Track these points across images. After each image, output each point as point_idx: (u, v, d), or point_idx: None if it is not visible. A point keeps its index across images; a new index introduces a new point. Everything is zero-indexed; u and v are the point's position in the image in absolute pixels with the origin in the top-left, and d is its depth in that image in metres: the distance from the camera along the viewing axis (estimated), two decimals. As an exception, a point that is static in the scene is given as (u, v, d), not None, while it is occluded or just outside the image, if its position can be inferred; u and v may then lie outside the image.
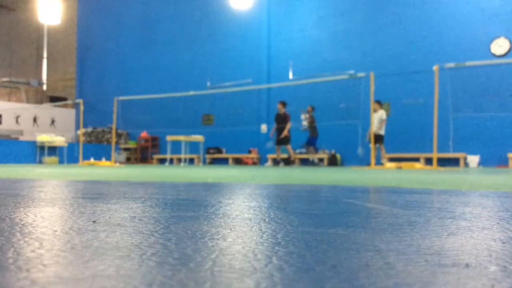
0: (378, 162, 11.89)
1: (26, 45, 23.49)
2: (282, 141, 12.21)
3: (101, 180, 3.34)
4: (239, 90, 14.90)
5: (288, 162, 12.88)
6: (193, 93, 14.88)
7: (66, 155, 14.95)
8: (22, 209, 1.38)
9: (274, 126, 12.55)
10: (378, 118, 11.13)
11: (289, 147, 12.29)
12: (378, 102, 11.29)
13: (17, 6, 23.82)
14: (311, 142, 12.97)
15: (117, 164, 12.30)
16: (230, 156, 16.13)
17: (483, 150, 12.30)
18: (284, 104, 12.42)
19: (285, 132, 12.05)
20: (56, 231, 0.96)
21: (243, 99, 15.95)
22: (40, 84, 21.76)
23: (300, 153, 14.34)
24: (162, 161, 17.56)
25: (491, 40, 12.35)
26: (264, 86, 15.05)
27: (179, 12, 17.82)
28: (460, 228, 1.04)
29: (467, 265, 0.66)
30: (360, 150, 13.11)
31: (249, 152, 15.84)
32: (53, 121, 19.18)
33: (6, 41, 24.27)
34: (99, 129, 18.46)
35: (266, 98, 15.67)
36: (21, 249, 0.75)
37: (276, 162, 13.17)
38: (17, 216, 1.20)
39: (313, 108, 13.07)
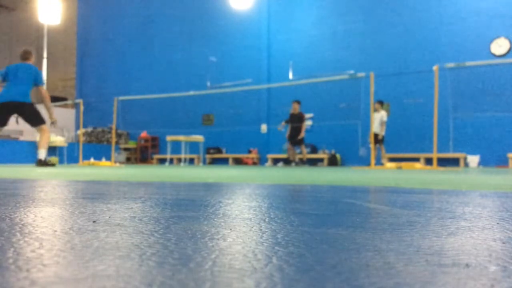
0: (378, 162, 11.89)
1: (26, 45, 23.48)
2: (299, 141, 12.09)
3: (101, 180, 3.35)
4: (239, 90, 14.90)
5: (288, 161, 12.80)
6: (193, 93, 14.89)
7: (66, 155, 14.94)
8: (22, 209, 1.38)
9: (288, 126, 12.33)
10: (379, 119, 11.12)
11: (303, 147, 12.22)
12: (380, 102, 11.27)
13: (17, 6, 23.82)
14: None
15: (117, 164, 12.30)
16: (230, 156, 16.13)
17: (483, 150, 12.30)
18: (299, 103, 12.27)
19: (302, 133, 11.92)
20: (56, 231, 0.96)
21: (243, 99, 15.95)
22: (40, 84, 21.74)
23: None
24: (162, 161, 17.56)
25: (491, 40, 12.35)
26: (264, 86, 15.05)
27: (179, 12, 17.82)
28: (460, 228, 1.04)
29: (467, 265, 0.66)
30: (362, 151, 13.11)
31: (249, 152, 15.85)
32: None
33: (6, 41, 24.27)
34: (99, 129, 18.46)
35: (266, 98, 15.67)
36: (21, 249, 0.75)
37: (288, 162, 12.85)
38: (17, 216, 1.20)
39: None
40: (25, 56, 7.72)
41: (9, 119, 7.75)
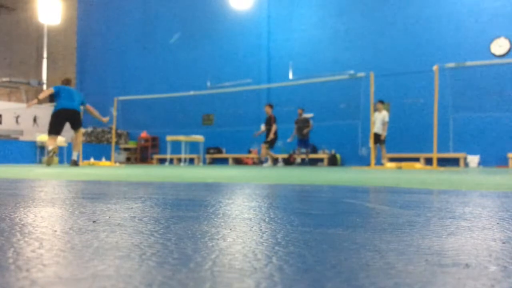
0: (378, 162, 11.89)
1: (26, 45, 23.48)
2: (269, 143, 12.43)
3: (101, 180, 3.35)
4: (239, 90, 14.89)
5: (261, 161, 12.98)
6: (193, 93, 14.89)
7: (66, 155, 14.94)
8: (22, 209, 1.38)
9: (262, 128, 12.85)
10: (381, 119, 11.08)
11: (264, 146, 12.46)
12: (381, 102, 11.25)
13: (17, 6, 23.82)
14: (304, 144, 13.01)
15: (117, 164, 12.30)
16: (230, 156, 16.13)
17: (483, 150, 12.30)
18: (271, 106, 12.61)
19: (271, 135, 12.24)
20: (56, 231, 0.96)
21: (243, 99, 15.95)
22: (40, 84, 21.75)
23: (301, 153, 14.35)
24: (162, 161, 17.56)
25: (491, 40, 12.35)
26: (264, 86, 15.04)
27: (179, 12, 17.82)
28: (460, 228, 1.04)
29: (467, 265, 0.66)
30: (364, 151, 13.12)
31: (249, 152, 15.84)
32: (53, 121, 19.15)
33: (6, 41, 24.26)
34: (99, 129, 18.45)
35: (266, 98, 15.67)
36: (21, 249, 0.75)
37: (275, 162, 13.31)
38: (17, 216, 1.20)
39: (303, 110, 13.16)
40: (69, 82, 9.52)
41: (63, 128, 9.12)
